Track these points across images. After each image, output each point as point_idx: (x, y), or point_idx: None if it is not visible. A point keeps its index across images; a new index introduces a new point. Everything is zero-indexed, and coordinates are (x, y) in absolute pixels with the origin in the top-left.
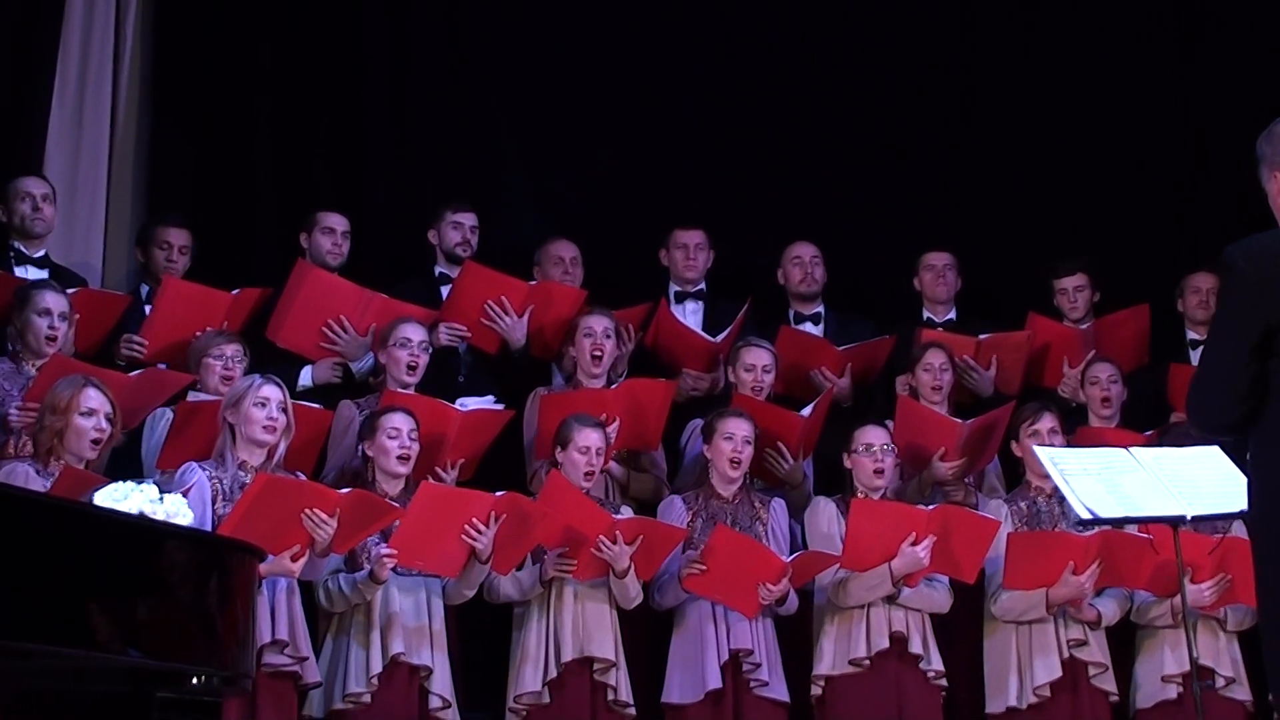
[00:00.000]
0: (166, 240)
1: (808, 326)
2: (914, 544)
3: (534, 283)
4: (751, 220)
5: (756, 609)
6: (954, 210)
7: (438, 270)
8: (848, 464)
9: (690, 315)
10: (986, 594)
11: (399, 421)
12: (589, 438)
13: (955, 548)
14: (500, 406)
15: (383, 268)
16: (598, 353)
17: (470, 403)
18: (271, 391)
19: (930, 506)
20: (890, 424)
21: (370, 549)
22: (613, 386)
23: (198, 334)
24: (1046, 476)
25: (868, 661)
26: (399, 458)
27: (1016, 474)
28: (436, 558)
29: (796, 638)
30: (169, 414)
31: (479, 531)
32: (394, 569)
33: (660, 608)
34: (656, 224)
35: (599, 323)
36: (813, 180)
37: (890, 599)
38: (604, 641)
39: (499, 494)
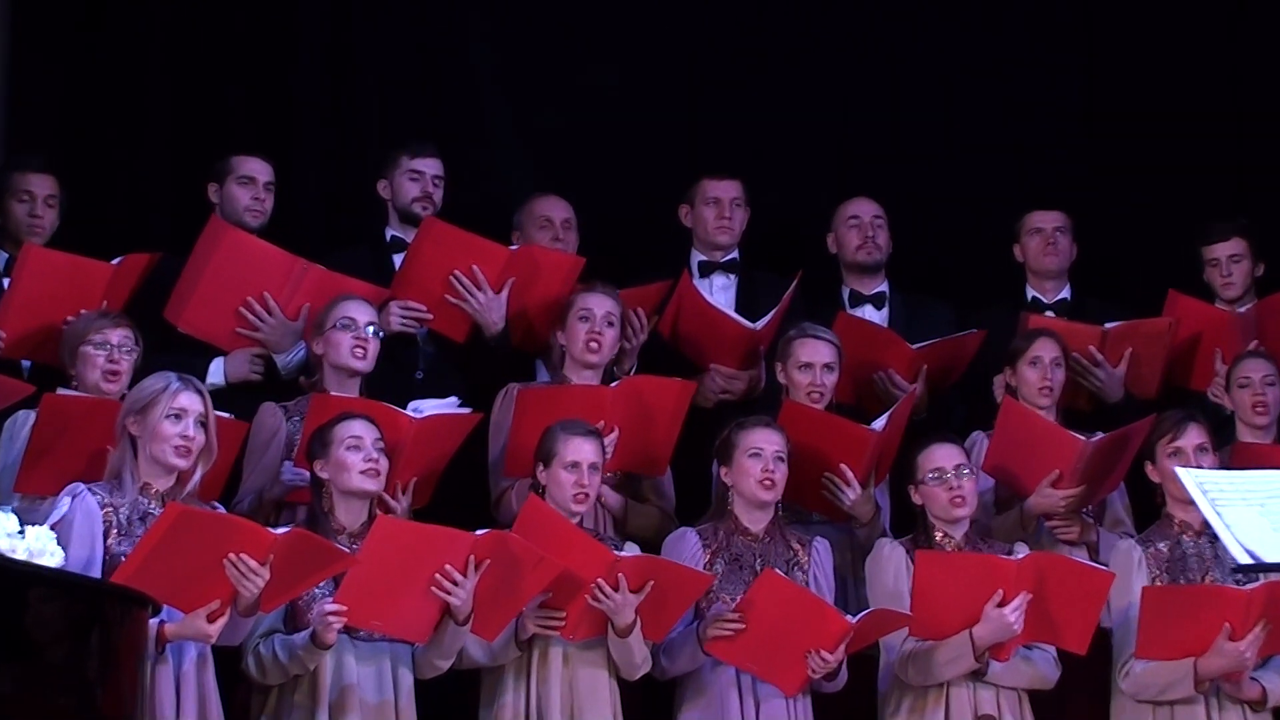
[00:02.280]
0: (27, 190)
1: (868, 311)
2: (1001, 605)
3: (516, 247)
4: (795, 170)
5: (802, 684)
6: (1069, 155)
7: (389, 233)
8: (916, 499)
9: (719, 292)
10: (1114, 665)
11: (359, 429)
12: (581, 450)
13: (1057, 608)
14: (468, 410)
15: (316, 230)
16: (594, 342)
17: (426, 406)
18: (189, 401)
19: (1019, 555)
20: (982, 439)
21: (317, 601)
22: (613, 385)
23: (69, 318)
24: (1193, 507)
25: None
26: (364, 473)
27: (1152, 505)
28: (398, 617)
29: (837, 715)
30: (32, 419)
31: (454, 583)
32: (345, 631)
33: (666, 675)
34: (675, 175)
35: (600, 304)
36: (874, 117)
37: (976, 675)
38: None
39: (480, 533)
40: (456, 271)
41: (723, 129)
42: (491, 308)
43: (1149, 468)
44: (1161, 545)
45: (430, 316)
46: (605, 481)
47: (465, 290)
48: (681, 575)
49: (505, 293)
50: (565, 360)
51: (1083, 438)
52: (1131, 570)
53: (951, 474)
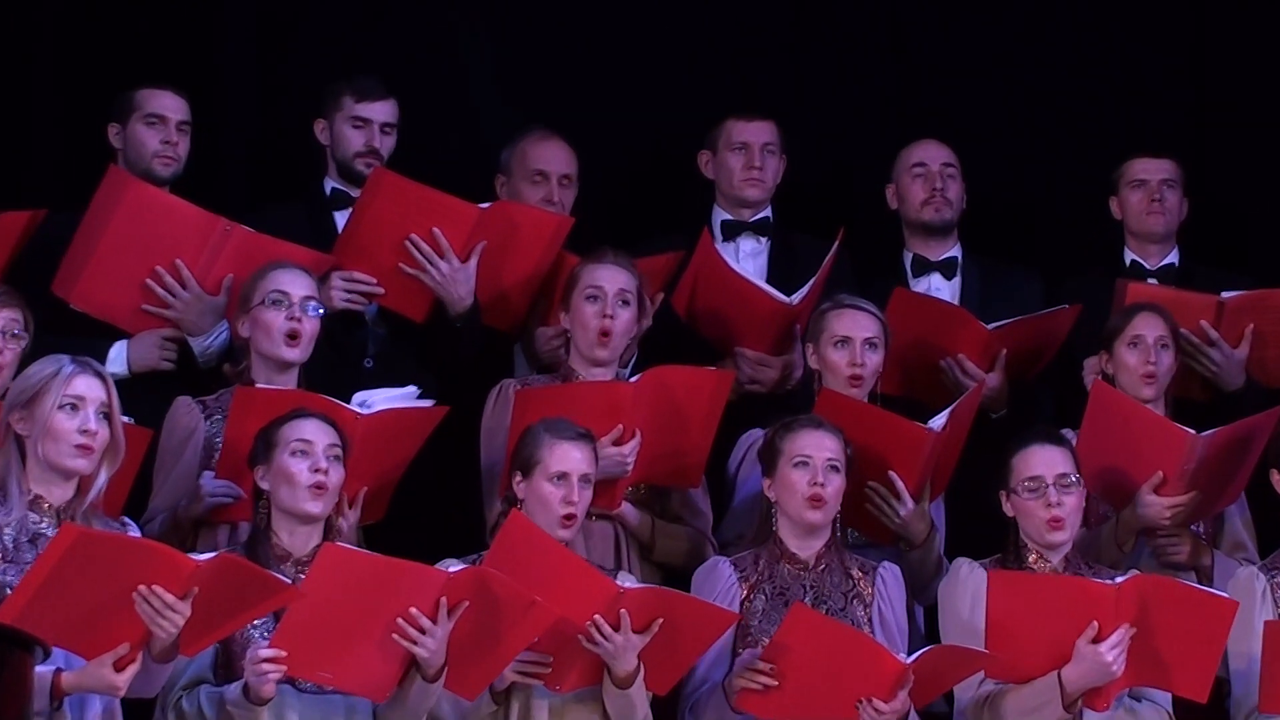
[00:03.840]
0: None
1: (935, 280)
2: (1096, 640)
3: (487, 205)
4: (845, 110)
5: None
6: (1175, 95)
7: (330, 186)
8: (1009, 510)
9: (747, 259)
10: None
11: (310, 430)
12: (569, 458)
13: (1167, 644)
14: (429, 403)
15: (241, 181)
16: (606, 327)
17: (376, 398)
18: (87, 386)
19: (1119, 578)
20: (1072, 438)
21: (253, 643)
22: (631, 379)
23: None
24: None
25: None
26: (310, 488)
27: (1278, 523)
28: (351, 668)
29: None
30: None
31: (421, 630)
32: (288, 681)
33: None
34: (694, 114)
35: (612, 278)
36: (942, 41)
37: None
38: None
39: (455, 567)
40: (413, 235)
41: (753, 58)
42: (457, 280)
43: (1275, 476)
44: None
45: (381, 291)
46: (626, 497)
47: (424, 258)
48: (698, 611)
49: (474, 261)
50: (571, 353)
51: (1192, 432)
52: (1254, 604)
53: (1051, 487)
